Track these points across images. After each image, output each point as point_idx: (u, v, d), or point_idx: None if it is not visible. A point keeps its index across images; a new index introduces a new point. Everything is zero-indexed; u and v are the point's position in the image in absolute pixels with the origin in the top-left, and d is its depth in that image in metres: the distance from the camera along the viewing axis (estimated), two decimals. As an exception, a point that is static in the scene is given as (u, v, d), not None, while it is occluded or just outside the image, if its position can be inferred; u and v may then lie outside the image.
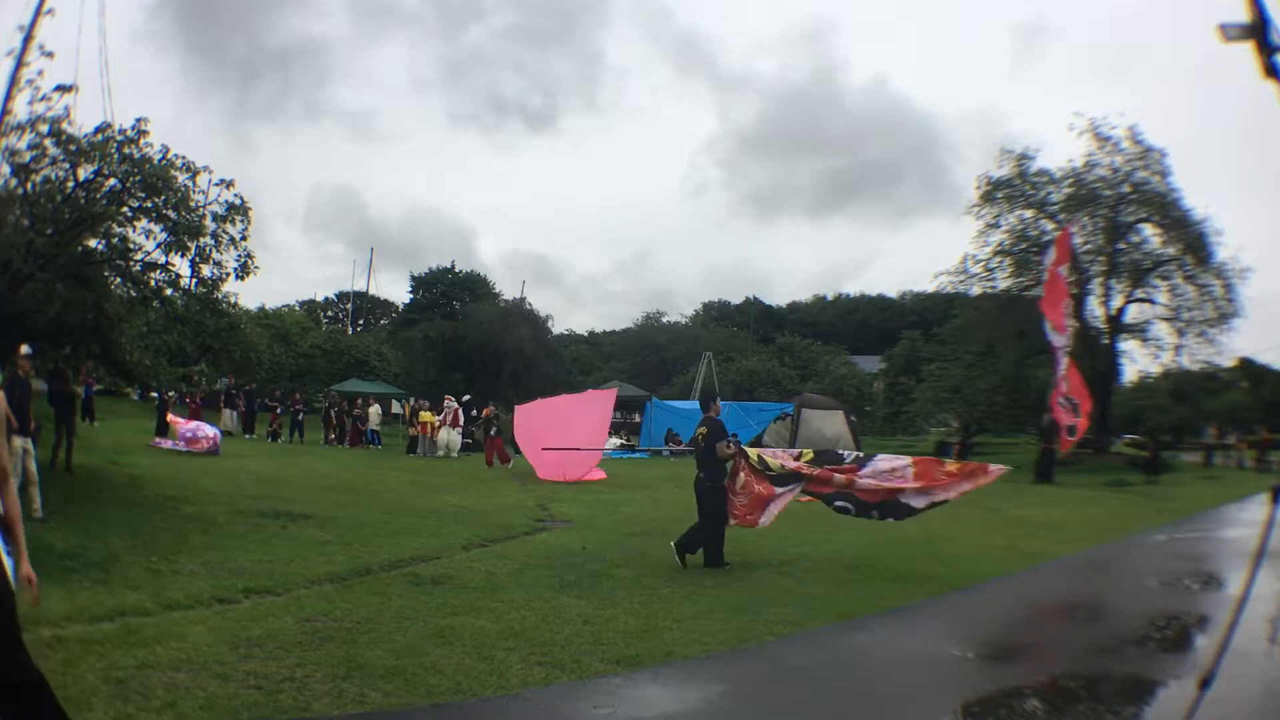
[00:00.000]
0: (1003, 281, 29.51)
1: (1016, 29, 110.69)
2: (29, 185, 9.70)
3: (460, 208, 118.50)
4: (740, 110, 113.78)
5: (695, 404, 31.86)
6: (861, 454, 8.54)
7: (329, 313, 53.40)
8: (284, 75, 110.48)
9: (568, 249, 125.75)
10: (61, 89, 9.63)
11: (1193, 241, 26.62)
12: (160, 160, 10.15)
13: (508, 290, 45.14)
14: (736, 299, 78.55)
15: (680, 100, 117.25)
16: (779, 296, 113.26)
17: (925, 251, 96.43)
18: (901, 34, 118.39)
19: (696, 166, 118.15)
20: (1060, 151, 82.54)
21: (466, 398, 25.03)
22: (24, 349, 8.13)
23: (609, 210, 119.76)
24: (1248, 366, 36.98)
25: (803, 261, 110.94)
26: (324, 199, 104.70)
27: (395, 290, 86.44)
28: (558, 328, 46.22)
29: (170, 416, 17.89)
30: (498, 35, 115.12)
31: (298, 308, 47.29)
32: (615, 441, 26.17)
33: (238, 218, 10.89)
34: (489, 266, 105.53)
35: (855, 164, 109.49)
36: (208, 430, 17.06)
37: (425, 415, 21.77)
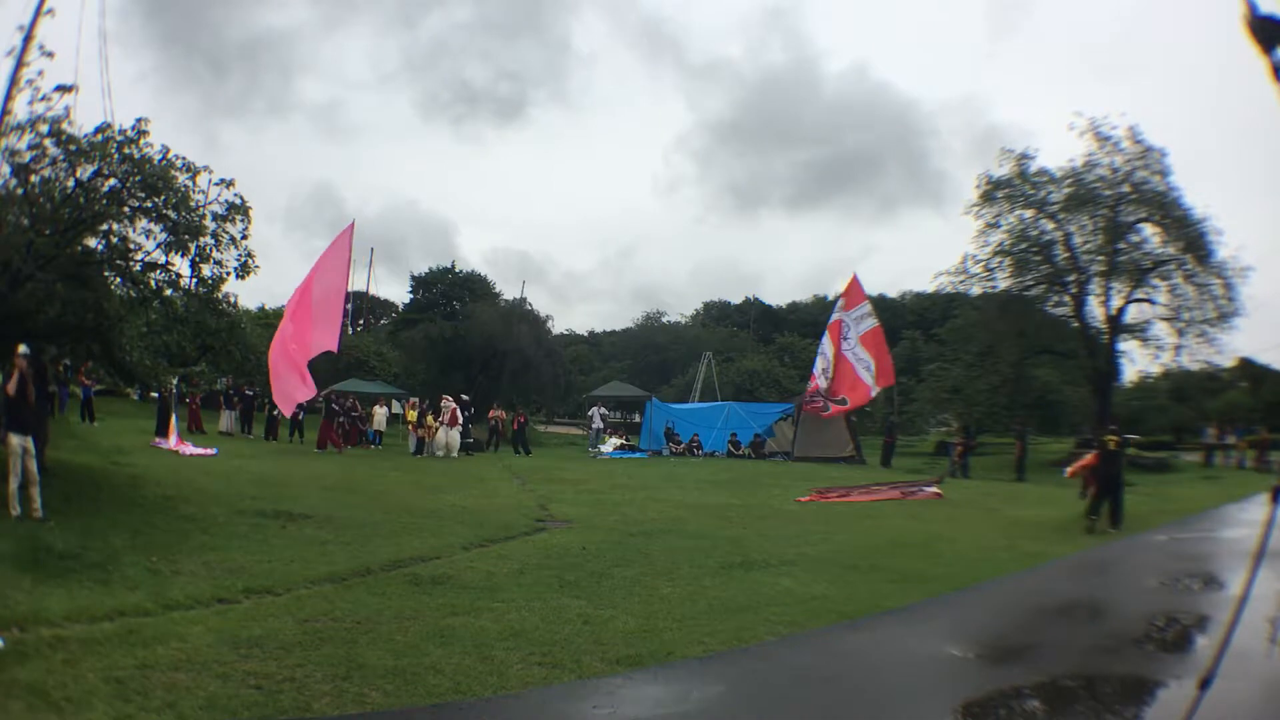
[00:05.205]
0: (1003, 281, 29.45)
1: (1002, 11, 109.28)
2: (29, 185, 9.69)
3: (439, 203, 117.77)
4: (718, 103, 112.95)
5: (692, 405, 31.93)
6: None
7: (329, 313, 53.38)
8: (251, 71, 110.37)
9: (550, 246, 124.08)
10: (61, 89, 9.61)
11: (1193, 241, 26.56)
12: (160, 160, 10.13)
13: (500, 289, 45.13)
14: (731, 296, 78.37)
15: (657, 93, 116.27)
16: (771, 292, 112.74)
17: (919, 246, 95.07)
18: (880, 16, 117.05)
19: (671, 164, 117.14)
20: (1052, 140, 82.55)
21: (465, 397, 25.01)
22: (23, 349, 8.12)
23: (589, 206, 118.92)
24: (1248, 366, 36.94)
25: (794, 258, 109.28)
26: (301, 196, 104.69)
27: (389, 289, 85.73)
28: (557, 327, 46.10)
29: (170, 430, 17.79)
30: (465, 26, 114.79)
31: (298, 308, 47.26)
32: (615, 441, 26.15)
33: (238, 217, 10.87)
34: (472, 264, 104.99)
35: (839, 155, 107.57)
36: (191, 449, 17.01)
37: (431, 420, 21.81)
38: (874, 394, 23.21)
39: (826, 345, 23.37)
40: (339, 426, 23.15)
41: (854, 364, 22.30)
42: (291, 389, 11.44)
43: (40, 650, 4.65)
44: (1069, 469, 13.66)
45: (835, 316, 23.51)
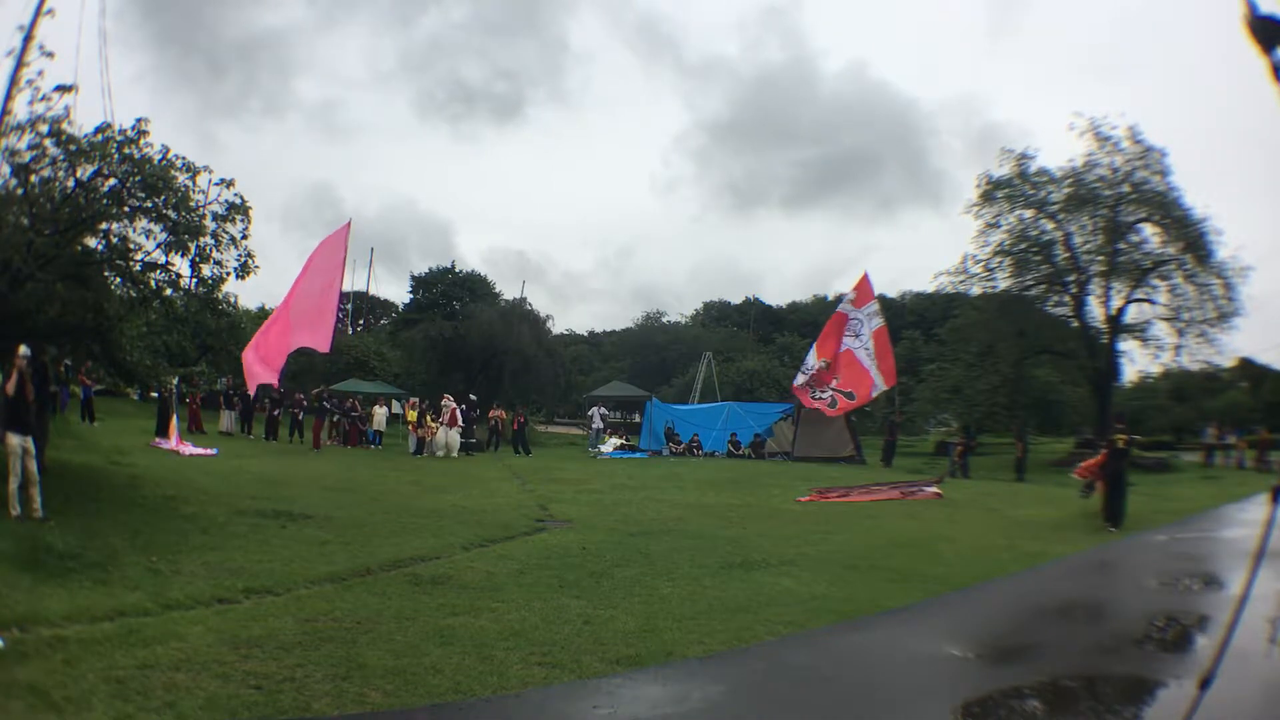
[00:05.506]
0: (1003, 281, 29.51)
1: (1002, 11, 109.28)
2: (29, 185, 9.69)
3: (437, 203, 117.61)
4: (715, 102, 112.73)
5: (692, 406, 31.94)
6: None
7: (329, 313, 53.27)
8: (248, 70, 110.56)
9: (549, 245, 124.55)
10: (61, 89, 9.63)
11: (1193, 241, 26.59)
12: (160, 160, 10.14)
13: (500, 289, 45.15)
14: (730, 296, 78.37)
15: (655, 92, 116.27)
16: (771, 292, 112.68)
17: (919, 246, 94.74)
18: (878, 15, 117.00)
19: (669, 163, 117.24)
20: (1052, 140, 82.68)
21: (473, 397, 25.04)
22: (23, 349, 8.12)
23: (588, 206, 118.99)
24: (1248, 366, 36.96)
25: (793, 258, 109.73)
26: (300, 196, 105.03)
27: (389, 289, 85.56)
28: (557, 327, 46.05)
29: (171, 430, 17.81)
30: (462, 25, 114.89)
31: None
32: (615, 441, 26.14)
33: (238, 217, 10.87)
34: (471, 264, 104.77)
35: (838, 155, 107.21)
36: (191, 449, 17.03)
37: (431, 420, 21.82)
38: (876, 393, 23.06)
39: (812, 357, 23.18)
40: (334, 426, 23.23)
41: (864, 360, 22.11)
42: (260, 378, 11.52)
43: (40, 650, 4.65)
44: (1079, 467, 13.63)
45: (841, 309, 23.20)
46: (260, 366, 11.44)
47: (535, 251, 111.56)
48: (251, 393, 16.34)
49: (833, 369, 22.14)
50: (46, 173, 9.82)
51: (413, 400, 24.15)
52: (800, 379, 22.88)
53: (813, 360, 22.78)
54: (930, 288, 36.97)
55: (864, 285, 23.32)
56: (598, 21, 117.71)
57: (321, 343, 11.54)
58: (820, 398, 22.29)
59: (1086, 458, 14.42)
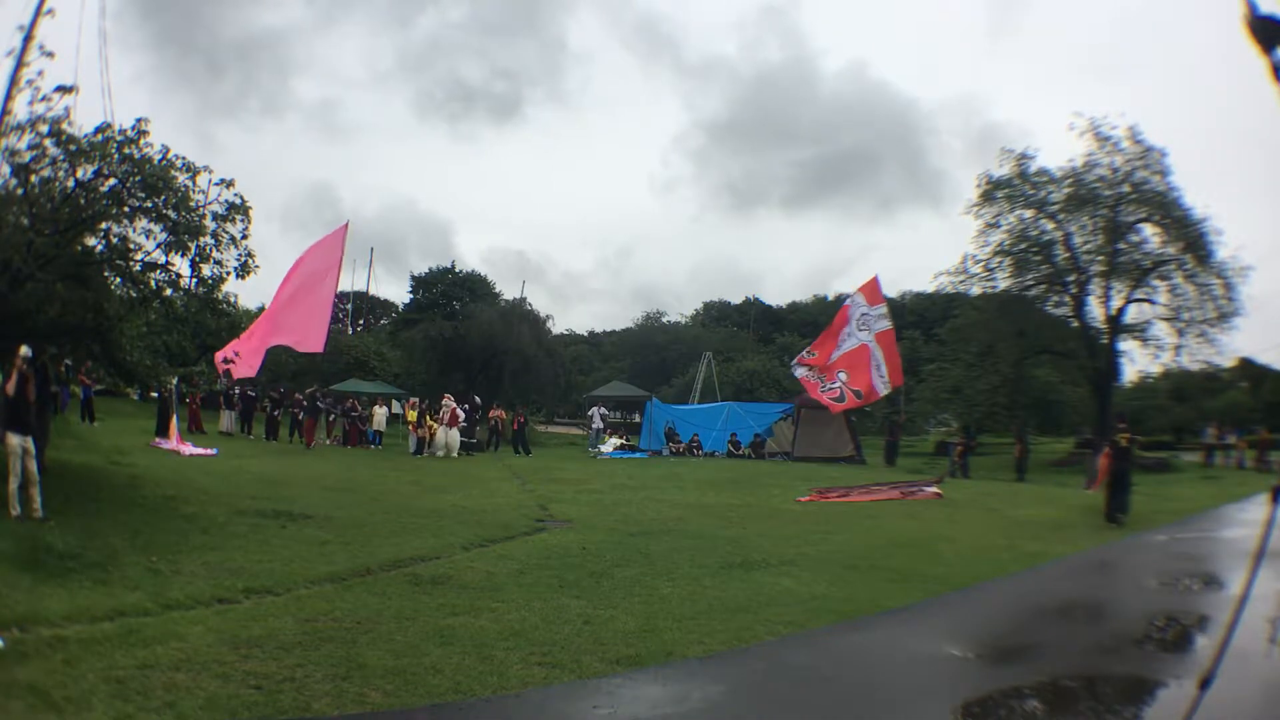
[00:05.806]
0: (1003, 281, 29.51)
1: (1002, 11, 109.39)
2: (29, 185, 9.68)
3: (437, 203, 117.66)
4: (714, 102, 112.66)
5: (692, 406, 31.95)
6: None
7: (329, 313, 53.22)
8: (246, 70, 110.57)
9: (548, 245, 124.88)
10: (61, 89, 9.61)
11: (1193, 241, 26.58)
12: (160, 160, 10.12)
13: (500, 289, 45.13)
14: (730, 296, 78.37)
15: (654, 92, 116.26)
16: (771, 292, 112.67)
17: (919, 246, 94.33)
18: (877, 14, 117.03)
19: (669, 163, 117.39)
20: (1052, 140, 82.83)
21: (478, 399, 25.07)
22: (24, 350, 8.12)
23: (587, 206, 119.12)
24: (1248, 366, 36.95)
25: (793, 257, 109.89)
26: (299, 195, 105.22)
27: (389, 289, 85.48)
28: (557, 327, 46.00)
29: (171, 430, 17.78)
30: (460, 25, 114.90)
31: (298, 308, 47.10)
32: (615, 441, 26.15)
33: (238, 217, 10.86)
34: (471, 264, 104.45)
35: (837, 155, 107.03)
36: (191, 449, 17.02)
37: (431, 420, 21.83)
38: (884, 391, 22.76)
39: (803, 359, 22.53)
40: (332, 426, 23.24)
41: (874, 356, 21.84)
42: (239, 371, 11.57)
43: (40, 650, 4.65)
44: (1094, 483, 13.81)
45: (850, 302, 22.52)
46: (240, 364, 11.49)
47: (535, 251, 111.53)
48: (220, 378, 16.47)
49: (837, 364, 21.70)
50: (46, 173, 9.81)
51: (413, 400, 24.15)
52: (800, 371, 22.17)
53: (805, 356, 22.40)
54: (930, 288, 37.03)
55: (873, 287, 22.75)
56: (596, 21, 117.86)
57: (315, 344, 11.53)
58: (830, 388, 21.60)
59: (1087, 458, 14.47)
